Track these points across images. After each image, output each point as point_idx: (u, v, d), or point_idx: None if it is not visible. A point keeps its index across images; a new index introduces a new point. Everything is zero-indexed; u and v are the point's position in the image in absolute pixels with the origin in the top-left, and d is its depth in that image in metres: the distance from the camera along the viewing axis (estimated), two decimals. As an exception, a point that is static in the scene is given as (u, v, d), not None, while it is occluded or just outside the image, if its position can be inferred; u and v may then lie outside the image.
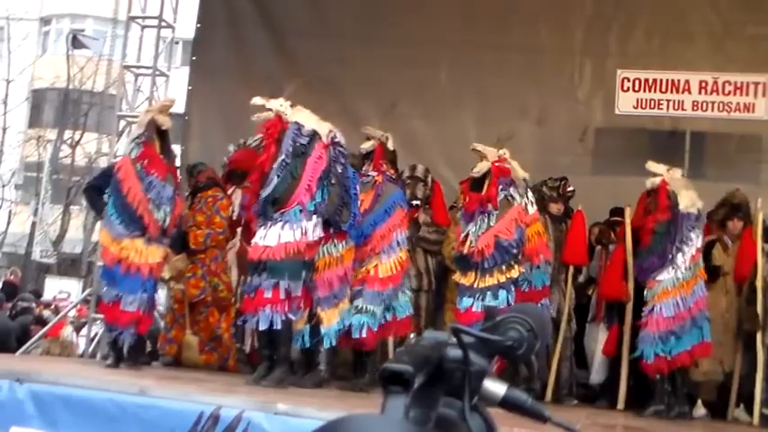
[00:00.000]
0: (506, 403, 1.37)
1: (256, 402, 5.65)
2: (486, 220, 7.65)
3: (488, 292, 7.51)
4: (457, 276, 7.85)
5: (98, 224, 8.46)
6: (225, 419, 5.43)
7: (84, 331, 11.37)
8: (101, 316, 9.15)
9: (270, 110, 7.31)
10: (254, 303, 7.12)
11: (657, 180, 7.96)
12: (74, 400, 5.85)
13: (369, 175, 7.92)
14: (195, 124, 11.77)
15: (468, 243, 7.66)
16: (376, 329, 7.62)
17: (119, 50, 18.04)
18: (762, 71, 10.18)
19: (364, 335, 7.54)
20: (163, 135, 7.91)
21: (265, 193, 7.17)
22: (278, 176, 7.17)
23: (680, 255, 7.78)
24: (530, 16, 11.17)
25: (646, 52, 10.90)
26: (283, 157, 7.19)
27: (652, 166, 8.08)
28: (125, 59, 12.05)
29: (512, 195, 7.76)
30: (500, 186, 7.72)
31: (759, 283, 8.05)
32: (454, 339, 1.33)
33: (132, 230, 7.56)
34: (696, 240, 7.86)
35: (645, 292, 7.98)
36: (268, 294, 7.04)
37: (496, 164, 7.77)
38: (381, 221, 7.78)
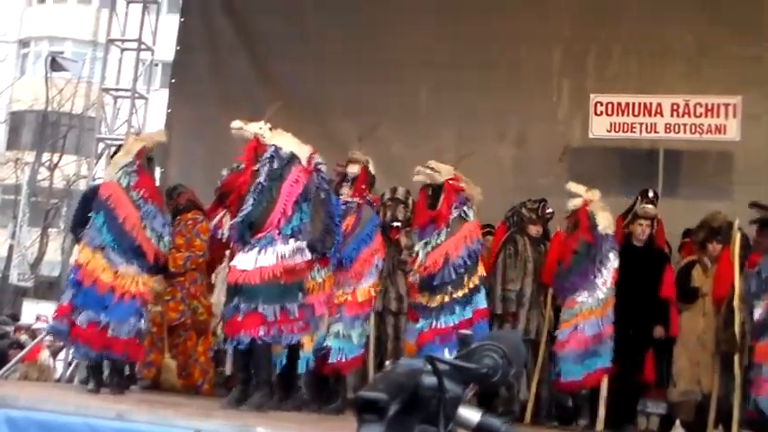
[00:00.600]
0: (481, 430, 1.37)
1: (234, 426, 5.64)
2: (436, 238, 7.68)
3: (434, 312, 7.53)
4: (417, 296, 7.84)
5: (76, 247, 8.37)
6: (203, 444, 5.40)
7: (61, 355, 11.28)
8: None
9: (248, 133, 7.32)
10: (233, 327, 7.11)
11: (578, 201, 8.12)
12: (50, 425, 5.79)
13: (351, 200, 7.95)
14: (175, 147, 11.73)
15: (417, 260, 7.68)
16: (354, 355, 7.65)
17: (98, 73, 18.04)
18: (739, 92, 10.26)
19: (342, 360, 7.55)
20: (150, 162, 8.01)
21: (241, 216, 7.16)
22: (254, 200, 7.16)
23: (600, 275, 7.98)
24: (510, 38, 11.23)
25: (623, 73, 10.97)
26: (260, 180, 7.19)
27: (573, 186, 8.29)
28: (104, 82, 12.05)
29: (465, 213, 7.77)
30: (454, 204, 7.75)
31: (736, 304, 8.09)
32: (429, 367, 1.33)
33: (129, 258, 7.56)
34: (614, 261, 8.05)
35: (562, 311, 8.21)
36: (242, 318, 7.03)
37: (450, 181, 7.81)
38: (364, 245, 7.83)
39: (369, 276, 7.83)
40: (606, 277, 8.02)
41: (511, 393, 8.43)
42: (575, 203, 8.15)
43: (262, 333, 7.01)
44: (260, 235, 7.10)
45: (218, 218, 8.98)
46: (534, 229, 8.86)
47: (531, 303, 8.60)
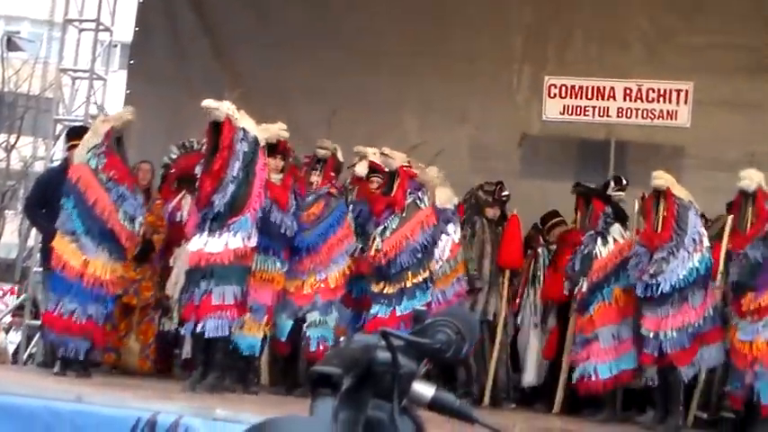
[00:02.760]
0: (435, 405, 1.40)
1: (194, 408, 5.63)
2: (392, 224, 7.72)
3: (395, 298, 7.57)
4: (372, 284, 7.88)
5: (33, 230, 8.25)
6: (162, 425, 5.39)
7: (11, 337, 11.18)
8: (37, 323, 9.03)
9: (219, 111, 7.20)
10: (199, 310, 7.07)
11: None
12: (8, 407, 5.76)
13: (321, 190, 8.02)
14: (133, 128, 11.56)
15: (374, 246, 7.72)
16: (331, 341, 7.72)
17: (55, 53, 17.79)
18: (693, 79, 10.35)
19: (321, 348, 7.60)
20: (119, 143, 7.83)
21: (224, 200, 7.11)
22: (232, 183, 7.13)
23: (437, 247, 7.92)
24: (470, 23, 11.25)
25: (582, 59, 11.04)
26: (239, 164, 7.15)
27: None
28: (62, 63, 11.88)
29: (420, 198, 7.83)
30: (408, 190, 7.78)
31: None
32: (384, 342, 1.35)
33: (99, 243, 7.45)
34: (453, 234, 8.09)
35: None
36: (218, 301, 7.02)
37: (405, 168, 7.86)
38: (332, 232, 7.88)
39: (339, 262, 7.91)
40: (443, 249, 8.01)
41: (470, 375, 8.50)
42: None
43: (236, 315, 7.05)
44: (235, 219, 7.09)
45: (176, 200, 8.94)
46: (491, 212, 8.93)
47: (490, 285, 8.66)
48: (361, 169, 8.30)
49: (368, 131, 10.89)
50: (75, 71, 11.54)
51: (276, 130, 7.68)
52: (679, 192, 7.63)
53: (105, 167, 7.53)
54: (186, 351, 8.63)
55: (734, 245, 7.59)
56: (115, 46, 14.20)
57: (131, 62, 12.21)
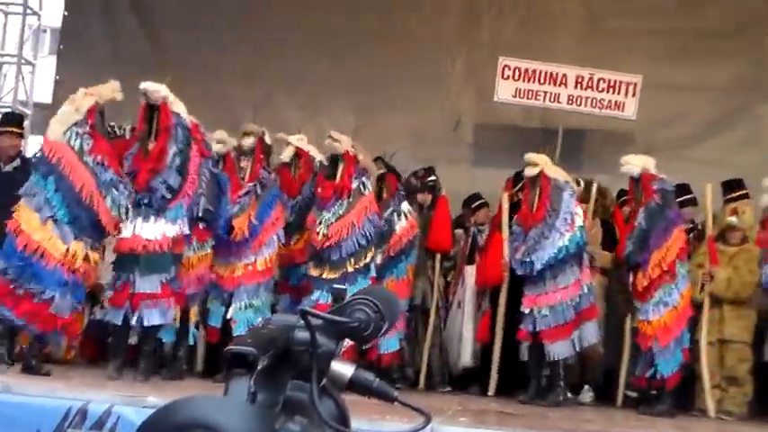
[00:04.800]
0: (354, 385, 1.38)
1: (125, 397, 5.58)
2: (339, 209, 7.73)
3: (336, 284, 7.57)
4: (311, 269, 7.89)
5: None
6: (93, 414, 5.33)
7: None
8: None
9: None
10: (134, 298, 6.95)
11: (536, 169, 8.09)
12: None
13: (250, 185, 7.94)
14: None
15: (320, 232, 7.71)
16: None
17: (-18, 38, 17.42)
18: (620, 65, 10.44)
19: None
20: (101, 122, 7.21)
21: (164, 185, 6.99)
22: (170, 168, 7.03)
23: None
24: (405, 7, 11.28)
25: (518, 43, 11.08)
26: (178, 148, 7.05)
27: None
28: (-12, 47, 11.66)
29: (364, 184, 7.87)
30: (354, 175, 7.80)
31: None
32: (302, 322, 1.34)
33: (82, 230, 6.86)
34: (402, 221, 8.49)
35: None
36: (152, 289, 6.93)
37: (350, 153, 7.88)
38: (265, 216, 7.81)
39: (269, 246, 7.87)
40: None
41: (403, 359, 8.54)
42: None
43: (172, 303, 6.99)
44: (173, 204, 7.01)
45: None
46: (421, 197, 8.98)
47: (418, 269, 8.69)
48: (286, 155, 8.26)
49: (302, 114, 10.88)
50: (2, 56, 11.32)
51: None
52: (554, 173, 7.84)
53: (92, 150, 6.85)
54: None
55: (631, 225, 7.91)
56: (45, 31, 13.94)
57: (61, 47, 12.00)
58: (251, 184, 7.86)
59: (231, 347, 1.22)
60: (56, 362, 8.18)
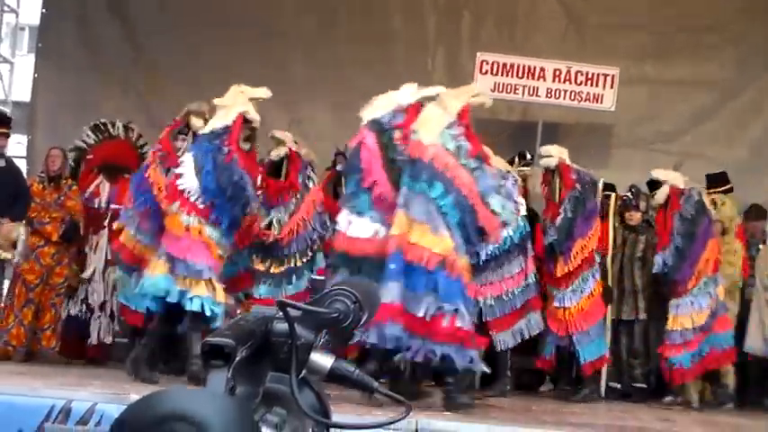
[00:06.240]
0: (334, 375, 1.38)
1: (108, 395, 5.55)
2: (290, 206, 7.79)
3: (285, 277, 7.66)
4: (256, 263, 7.83)
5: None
6: (77, 412, 5.31)
7: None
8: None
9: None
10: None
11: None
12: None
13: None
14: (41, 113, 11.40)
15: (273, 230, 7.73)
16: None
17: (-40, 37, 17.29)
18: (600, 60, 10.47)
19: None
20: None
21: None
22: None
23: None
24: (384, 6, 11.27)
25: (498, 41, 11.12)
26: None
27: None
28: (-34, 46, 11.59)
29: (309, 177, 7.96)
30: (300, 170, 7.90)
31: (609, 261, 8.38)
32: (281, 313, 1.33)
33: None
34: None
35: None
36: None
37: (294, 149, 7.97)
38: None
39: None
40: None
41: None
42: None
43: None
44: None
45: (93, 186, 8.74)
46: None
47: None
48: (276, 154, 8.17)
49: (280, 114, 10.85)
50: (-20, 54, 11.25)
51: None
52: (496, 163, 7.85)
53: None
54: (94, 338, 8.47)
55: (552, 214, 7.93)
56: (23, 29, 13.86)
57: (39, 45, 11.92)
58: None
59: (208, 339, 1.21)
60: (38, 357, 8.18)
